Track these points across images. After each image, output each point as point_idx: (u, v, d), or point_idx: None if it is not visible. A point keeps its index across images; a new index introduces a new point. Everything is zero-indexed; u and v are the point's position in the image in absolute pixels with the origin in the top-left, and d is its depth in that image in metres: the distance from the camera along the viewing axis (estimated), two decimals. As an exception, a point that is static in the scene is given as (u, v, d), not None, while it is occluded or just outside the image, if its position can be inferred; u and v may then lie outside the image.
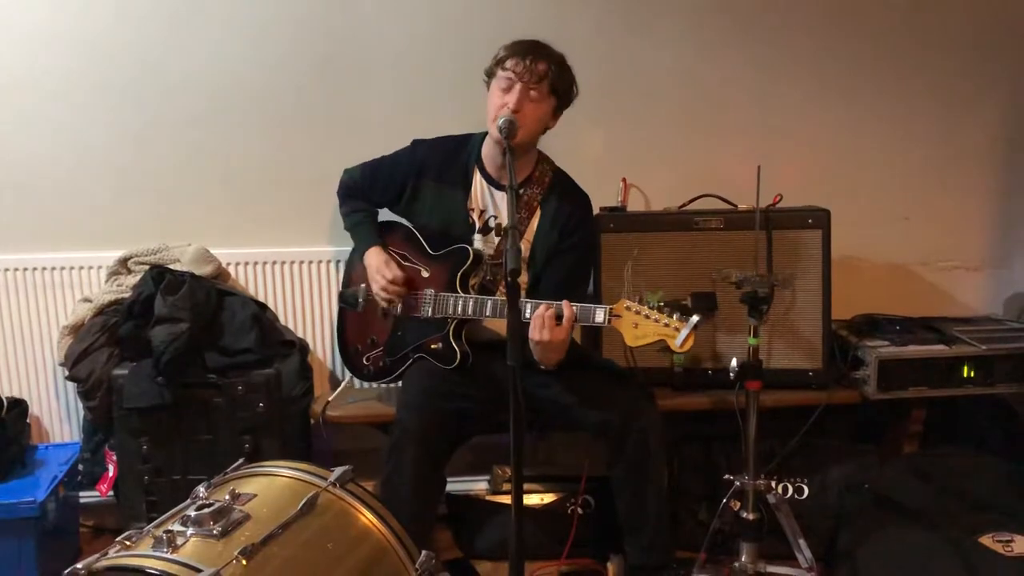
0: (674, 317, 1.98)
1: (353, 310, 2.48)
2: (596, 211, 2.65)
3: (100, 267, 2.78)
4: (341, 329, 2.57)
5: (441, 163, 2.40)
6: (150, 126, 2.77)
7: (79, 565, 1.37)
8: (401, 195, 2.45)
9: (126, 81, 2.74)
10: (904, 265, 3.06)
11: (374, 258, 2.42)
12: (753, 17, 2.88)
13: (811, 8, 2.89)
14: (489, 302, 2.23)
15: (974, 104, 3.00)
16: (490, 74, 2.28)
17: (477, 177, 2.39)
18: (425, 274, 2.38)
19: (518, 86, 2.20)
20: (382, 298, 2.39)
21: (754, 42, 2.89)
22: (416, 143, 2.47)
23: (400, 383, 2.40)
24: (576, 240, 2.36)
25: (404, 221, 2.50)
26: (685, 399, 2.57)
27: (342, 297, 2.55)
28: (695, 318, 1.96)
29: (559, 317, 2.07)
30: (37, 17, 2.68)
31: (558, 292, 2.19)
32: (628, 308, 2.03)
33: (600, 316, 2.07)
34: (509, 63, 2.21)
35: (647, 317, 2.01)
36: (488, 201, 2.38)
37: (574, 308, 2.09)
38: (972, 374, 2.59)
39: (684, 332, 1.96)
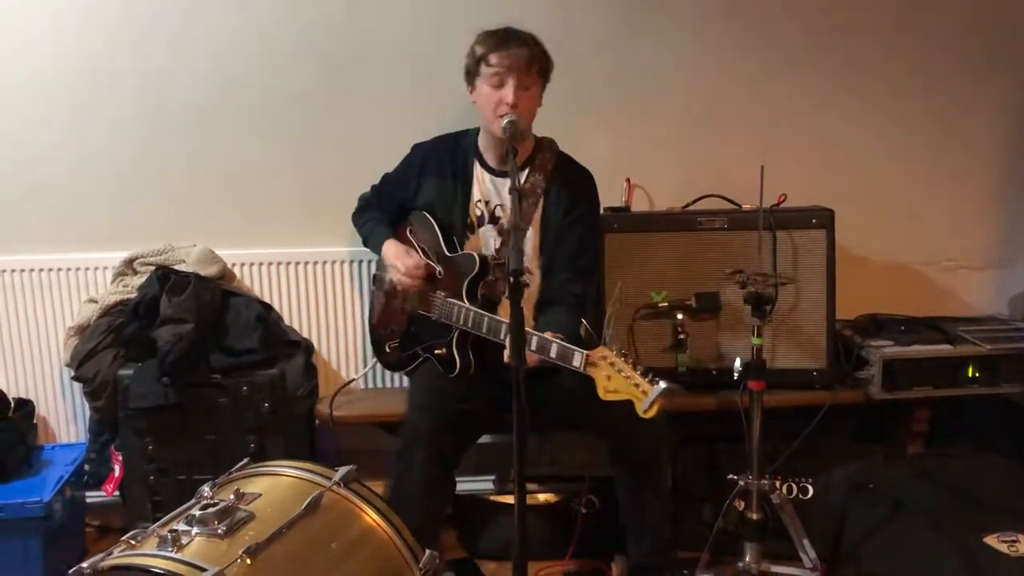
0: (646, 378, 1.88)
1: (380, 290, 2.51)
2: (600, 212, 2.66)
3: (106, 268, 2.79)
4: (372, 311, 2.60)
5: (441, 159, 2.41)
6: (155, 127, 2.78)
7: (84, 564, 1.38)
8: (411, 198, 2.46)
9: (131, 82, 2.75)
10: (908, 265, 3.05)
11: (390, 248, 2.42)
12: (757, 17, 2.87)
13: (815, 8, 2.88)
14: (485, 320, 2.19)
15: (979, 103, 2.99)
16: (472, 72, 2.26)
17: (478, 169, 2.39)
18: (440, 274, 2.39)
19: (511, 80, 2.19)
20: (404, 284, 2.38)
21: (758, 42, 2.88)
22: (416, 146, 2.50)
23: (408, 380, 2.40)
24: (581, 211, 2.37)
25: (426, 214, 2.45)
26: (689, 399, 2.57)
27: (375, 279, 2.58)
28: (662, 385, 1.86)
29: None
30: (42, 20, 2.69)
31: (569, 264, 2.20)
32: (604, 358, 1.94)
33: (577, 361, 1.98)
34: (494, 58, 2.20)
35: (620, 371, 1.91)
36: (491, 191, 2.39)
37: (554, 343, 2.03)
38: (977, 374, 2.59)
39: (650, 397, 1.86)
